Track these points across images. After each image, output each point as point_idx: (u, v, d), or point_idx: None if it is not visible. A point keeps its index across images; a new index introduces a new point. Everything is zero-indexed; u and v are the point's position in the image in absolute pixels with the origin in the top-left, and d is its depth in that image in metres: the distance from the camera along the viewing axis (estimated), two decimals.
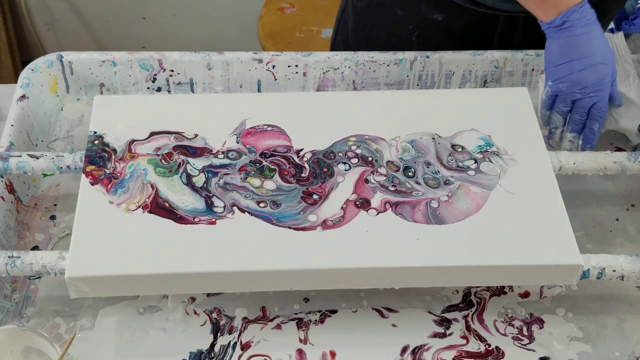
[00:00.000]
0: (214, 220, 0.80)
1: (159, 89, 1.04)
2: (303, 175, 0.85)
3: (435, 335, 0.84)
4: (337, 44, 1.19)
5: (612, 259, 0.81)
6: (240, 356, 0.81)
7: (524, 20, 1.04)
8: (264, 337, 0.83)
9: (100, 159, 0.85)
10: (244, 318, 0.85)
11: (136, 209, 0.81)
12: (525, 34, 1.06)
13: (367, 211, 0.82)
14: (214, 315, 0.85)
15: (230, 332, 0.83)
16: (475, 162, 0.87)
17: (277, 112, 0.91)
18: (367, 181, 0.85)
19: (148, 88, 1.04)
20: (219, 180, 0.84)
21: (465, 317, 0.86)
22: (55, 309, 0.85)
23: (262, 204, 0.82)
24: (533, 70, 1.06)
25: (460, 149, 0.88)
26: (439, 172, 0.86)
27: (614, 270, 0.81)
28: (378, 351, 0.82)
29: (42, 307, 0.85)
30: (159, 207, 0.81)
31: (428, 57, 1.04)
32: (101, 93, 1.04)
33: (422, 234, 0.80)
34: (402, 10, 1.06)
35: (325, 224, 0.80)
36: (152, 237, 0.79)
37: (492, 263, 0.78)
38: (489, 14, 1.03)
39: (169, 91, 1.05)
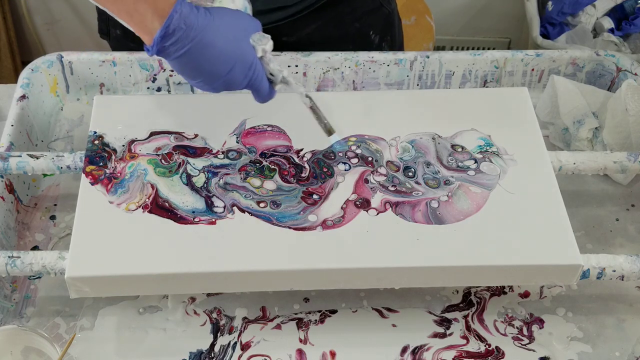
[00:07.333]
0: (214, 220, 0.80)
1: (159, 89, 1.04)
2: (303, 175, 0.85)
3: (435, 335, 0.84)
4: None
5: (612, 259, 0.81)
6: (240, 356, 0.81)
7: None
8: (264, 337, 0.83)
9: (100, 159, 0.85)
10: (244, 318, 0.85)
11: (136, 209, 0.81)
12: None
13: (367, 211, 0.82)
14: (214, 315, 0.85)
15: (230, 332, 0.83)
16: (475, 162, 0.87)
17: (277, 112, 0.91)
18: (367, 181, 0.84)
19: (148, 88, 1.04)
20: (219, 180, 0.84)
21: (465, 317, 0.86)
22: (55, 309, 0.85)
23: (262, 204, 0.82)
24: (533, 70, 1.06)
25: (460, 149, 0.88)
26: (439, 172, 0.86)
27: (614, 270, 0.81)
28: (378, 351, 0.82)
29: (42, 307, 0.85)
30: (159, 207, 0.81)
31: (428, 57, 1.03)
32: (101, 93, 1.04)
33: (422, 234, 0.80)
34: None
35: (325, 224, 0.80)
36: (152, 237, 0.79)
37: (492, 263, 0.78)
38: None
39: (169, 91, 1.04)
